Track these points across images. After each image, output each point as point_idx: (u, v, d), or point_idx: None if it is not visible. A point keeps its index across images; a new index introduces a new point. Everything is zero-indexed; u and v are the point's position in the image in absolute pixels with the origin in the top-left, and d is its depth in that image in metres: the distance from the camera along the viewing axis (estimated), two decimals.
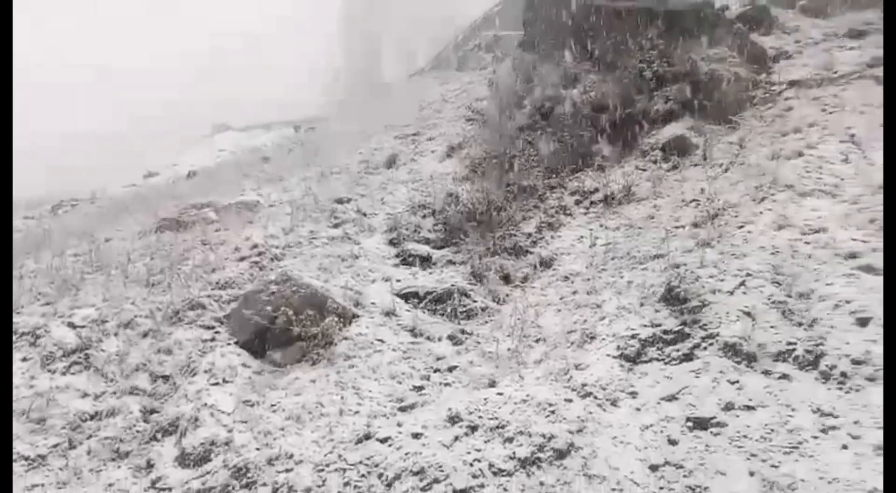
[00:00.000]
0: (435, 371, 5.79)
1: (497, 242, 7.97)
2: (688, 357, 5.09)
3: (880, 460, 3.80)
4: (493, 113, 10.34)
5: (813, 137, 8.02)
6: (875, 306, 4.99)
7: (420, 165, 10.47)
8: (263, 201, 9.66)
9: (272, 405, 5.39)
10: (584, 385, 5.05)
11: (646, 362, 5.21)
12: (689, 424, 4.43)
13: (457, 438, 4.69)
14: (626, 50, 9.56)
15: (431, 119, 12.59)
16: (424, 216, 8.60)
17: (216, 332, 6.46)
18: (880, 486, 3.66)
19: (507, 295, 7.17)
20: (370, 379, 5.61)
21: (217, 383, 5.67)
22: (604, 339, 5.58)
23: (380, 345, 6.08)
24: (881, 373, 4.41)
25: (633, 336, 5.45)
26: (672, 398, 4.71)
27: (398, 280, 7.29)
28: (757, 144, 8.19)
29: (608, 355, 5.33)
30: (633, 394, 4.88)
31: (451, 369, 5.79)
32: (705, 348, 5.08)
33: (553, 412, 4.77)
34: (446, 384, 5.58)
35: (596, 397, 4.91)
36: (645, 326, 5.52)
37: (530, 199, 8.66)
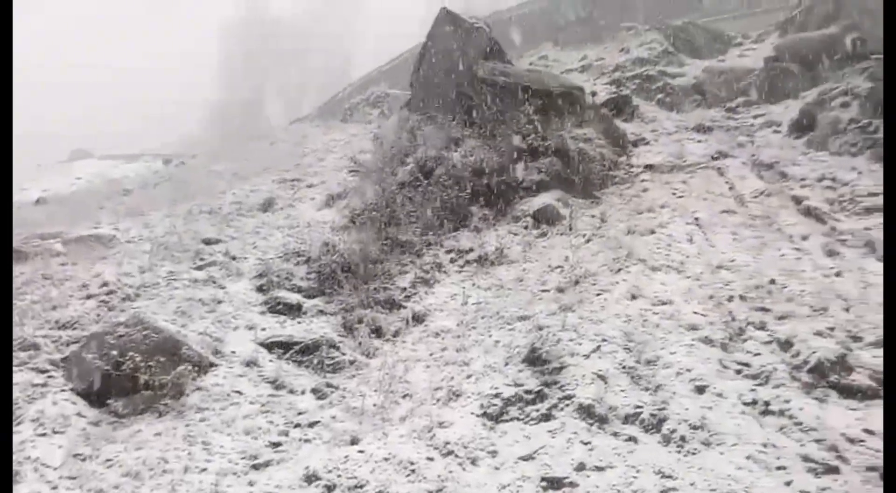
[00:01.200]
0: (295, 426, 5.56)
1: (371, 294, 7.92)
2: (546, 417, 5.27)
3: None
4: (375, 167, 10.47)
5: (664, 217, 8.84)
6: (711, 376, 5.47)
7: (298, 211, 10.29)
8: (120, 236, 9.00)
9: (107, 460, 4.89)
10: (446, 443, 5.05)
11: (507, 421, 5.33)
12: (544, 483, 4.55)
13: None
14: (504, 121, 10.13)
15: (313, 167, 12.49)
16: (298, 264, 8.40)
17: (49, 376, 5.81)
18: None
19: (378, 349, 7.10)
20: (223, 434, 5.27)
21: (45, 434, 5.07)
22: (469, 397, 5.65)
23: (237, 397, 5.76)
24: (716, 438, 4.81)
25: (496, 395, 5.57)
26: (529, 458, 4.83)
27: (263, 329, 7.00)
28: (616, 220, 8.88)
29: (472, 414, 5.40)
30: (493, 453, 4.95)
31: (312, 425, 5.58)
32: (562, 409, 5.29)
33: (414, 471, 4.72)
34: (306, 441, 5.37)
35: (457, 456, 4.92)
36: (508, 385, 5.67)
37: (407, 254, 8.74)
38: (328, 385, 6.25)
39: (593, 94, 12.02)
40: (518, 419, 5.33)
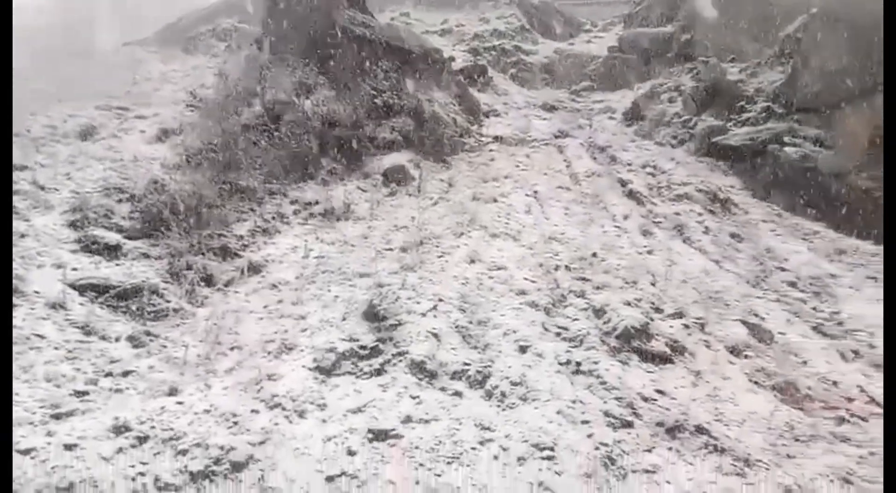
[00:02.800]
0: (106, 375, 5.12)
1: (203, 240, 7.44)
2: (378, 372, 5.34)
3: (522, 468, 4.43)
4: (217, 105, 9.75)
5: (507, 187, 9.23)
6: (534, 337, 5.86)
7: (124, 143, 9.32)
8: None
9: None
10: (274, 396, 4.94)
11: (339, 375, 5.32)
12: (370, 435, 4.62)
13: (121, 450, 4.18)
14: (361, 75, 9.90)
15: (146, 96, 11.35)
16: (120, 201, 7.64)
17: None
18: (521, 492, 4.25)
19: (207, 298, 6.71)
20: (19, 380, 4.71)
21: None
22: (302, 350, 5.56)
23: (38, 341, 5.17)
24: (532, 394, 5.18)
25: (330, 349, 5.53)
26: (358, 411, 4.87)
27: (74, 269, 6.32)
28: (463, 185, 9.12)
29: (303, 367, 5.32)
30: (322, 406, 4.93)
31: (125, 374, 5.18)
32: (395, 365, 5.39)
33: (237, 423, 4.57)
34: (118, 390, 4.97)
35: (284, 409, 4.84)
36: (343, 340, 5.65)
37: (247, 201, 8.31)
38: (147, 334, 5.81)
39: (451, 59, 12.12)
40: (351, 373, 5.34)
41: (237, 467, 4.23)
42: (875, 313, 7.25)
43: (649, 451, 4.60)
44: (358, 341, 5.61)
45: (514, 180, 9.40)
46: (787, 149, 9.81)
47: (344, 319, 5.96)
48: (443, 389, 5.18)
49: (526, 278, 6.89)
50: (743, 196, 9.95)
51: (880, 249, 8.72)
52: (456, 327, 5.88)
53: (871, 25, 9.92)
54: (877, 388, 5.86)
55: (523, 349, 5.69)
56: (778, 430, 4.90)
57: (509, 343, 5.77)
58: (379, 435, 4.62)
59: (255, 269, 7.15)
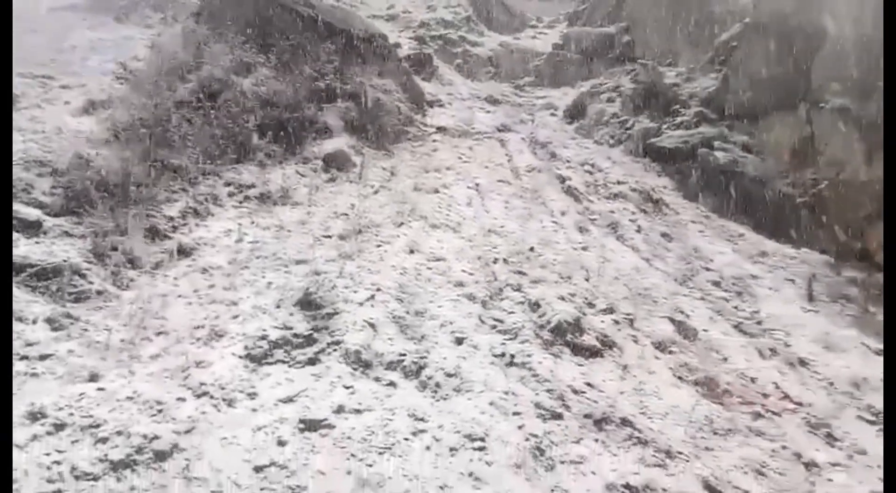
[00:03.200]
0: (21, 358, 4.84)
1: (130, 220, 7.11)
2: (312, 361, 5.27)
3: (454, 458, 4.47)
4: (150, 78, 9.30)
5: (449, 178, 9.24)
6: (470, 329, 5.91)
7: (47, 114, 8.78)
8: None
9: None
10: (202, 384, 4.80)
11: (271, 363, 5.21)
12: (301, 425, 4.56)
13: (35, 437, 3.97)
14: (303, 56, 9.66)
15: (73, 65, 10.72)
16: (41, 175, 7.20)
17: None
18: (451, 482, 4.29)
19: (133, 281, 6.43)
20: None
21: None
22: (233, 337, 5.41)
23: None
24: (466, 385, 5.22)
25: (263, 337, 5.41)
26: (290, 400, 4.80)
27: None
28: (405, 175, 9.07)
29: (234, 355, 5.18)
30: (253, 395, 4.82)
31: (43, 358, 4.91)
32: (329, 354, 5.33)
33: (161, 411, 4.41)
34: (33, 375, 4.71)
35: (212, 397, 4.70)
36: (277, 328, 5.54)
37: (179, 180, 7.98)
38: (68, 316, 5.52)
39: (397, 45, 12.00)
40: (283, 361, 5.25)
41: (161, 456, 4.09)
42: (791, 313, 7.69)
43: (577, 442, 4.73)
44: (291, 329, 5.51)
45: (456, 172, 9.41)
46: (716, 153, 10.21)
47: (278, 306, 5.83)
48: (377, 379, 5.15)
49: (464, 270, 6.93)
50: (674, 197, 10.30)
51: (798, 252, 9.23)
52: (393, 317, 5.86)
53: (800, 37, 10.44)
54: (791, 385, 6.22)
55: (459, 341, 5.73)
56: (698, 423, 5.13)
57: (445, 335, 5.80)
58: (310, 425, 4.56)
59: (185, 252, 6.89)
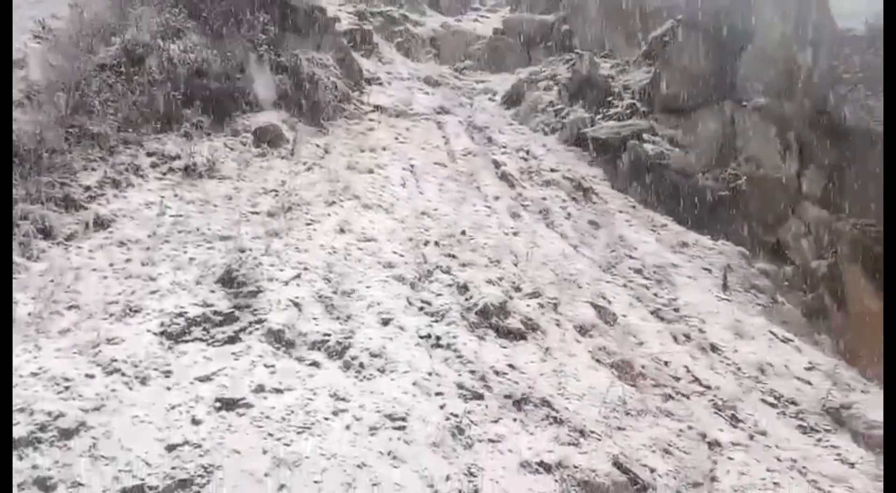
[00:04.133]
0: None
1: (43, 188, 6.72)
2: (232, 340, 5.15)
3: (374, 438, 4.49)
4: (69, 39, 8.76)
5: (384, 159, 9.16)
6: (397, 310, 5.91)
7: None
8: None
9: None
10: (113, 361, 4.62)
11: (188, 341, 5.07)
12: (218, 404, 4.47)
13: None
14: (236, 24, 9.31)
15: None
16: None
17: None
18: (370, 461, 4.30)
19: (44, 252, 6.09)
20: None
21: None
22: (148, 314, 5.23)
23: None
24: (390, 366, 5.24)
25: (180, 314, 5.25)
26: (207, 379, 4.69)
27: None
28: (339, 153, 8.93)
29: (149, 331, 5.01)
30: (167, 373, 4.69)
31: None
32: (251, 333, 5.23)
33: (68, 388, 4.23)
34: None
35: (124, 375, 4.54)
36: (196, 305, 5.38)
37: (97, 148, 7.58)
38: None
39: (336, 20, 11.74)
40: (201, 339, 5.11)
41: (66, 434, 3.93)
42: (706, 301, 8.07)
43: (496, 422, 4.84)
44: (212, 306, 5.37)
45: (391, 152, 9.34)
46: (645, 145, 10.53)
47: (198, 283, 5.67)
48: (300, 359, 5.10)
49: (395, 252, 6.91)
50: (604, 186, 10.57)
51: (717, 243, 9.68)
52: (319, 296, 5.80)
53: (727, 36, 10.85)
54: (701, 369, 6.54)
55: (386, 322, 5.73)
56: (612, 404, 5.33)
57: (372, 315, 5.78)
58: (227, 404, 4.48)
59: (101, 223, 6.57)
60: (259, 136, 8.63)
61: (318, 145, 8.95)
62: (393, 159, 9.13)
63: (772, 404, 6.30)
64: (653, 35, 11.75)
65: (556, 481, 4.34)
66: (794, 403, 6.34)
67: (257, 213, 7.16)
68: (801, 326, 8.87)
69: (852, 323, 9.68)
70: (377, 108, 10.48)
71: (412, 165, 9.20)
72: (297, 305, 5.57)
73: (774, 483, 4.89)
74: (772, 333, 7.76)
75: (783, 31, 10.83)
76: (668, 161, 10.51)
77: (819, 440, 5.90)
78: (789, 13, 10.87)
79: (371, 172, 8.56)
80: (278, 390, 4.71)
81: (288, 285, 5.81)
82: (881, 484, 5.55)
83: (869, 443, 6.09)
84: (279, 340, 5.19)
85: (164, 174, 7.65)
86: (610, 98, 11.51)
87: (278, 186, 7.78)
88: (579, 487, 4.35)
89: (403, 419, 4.64)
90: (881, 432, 6.33)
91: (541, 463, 4.46)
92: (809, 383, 6.79)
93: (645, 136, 10.76)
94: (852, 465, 5.67)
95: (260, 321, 5.32)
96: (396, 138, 9.85)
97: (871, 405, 6.79)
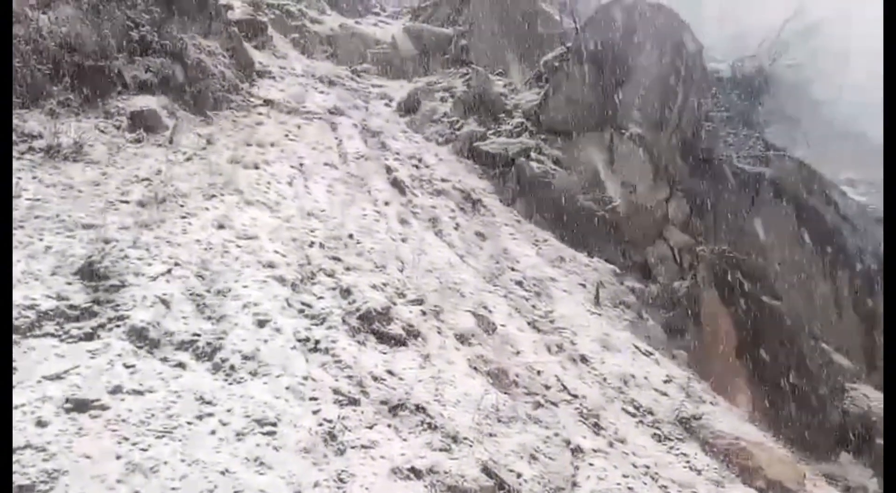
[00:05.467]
0: None
1: None
2: (89, 336, 4.77)
3: (240, 443, 4.30)
4: None
5: (271, 155, 8.87)
6: (275, 312, 5.72)
7: None
8: None
9: None
10: None
11: (38, 336, 4.63)
12: (68, 405, 4.11)
13: None
14: (116, 0, 8.68)
15: None
16: None
17: None
18: (234, 467, 4.12)
19: None
20: None
21: None
22: None
23: None
24: (263, 369, 5.05)
25: (30, 307, 4.78)
26: (57, 378, 4.30)
27: None
28: (223, 145, 8.55)
29: None
30: (12, 371, 4.24)
31: None
32: (111, 330, 4.86)
33: None
34: None
35: None
36: (49, 297, 4.93)
37: None
38: None
39: (228, 7, 11.27)
40: (53, 335, 4.69)
41: None
42: (579, 313, 8.49)
43: (370, 428, 4.80)
44: (67, 300, 4.94)
45: (280, 149, 9.07)
46: (532, 163, 10.96)
47: (53, 273, 5.19)
48: (164, 359, 4.81)
49: (277, 251, 6.70)
50: (492, 199, 10.87)
51: (592, 260, 10.22)
52: (190, 294, 5.50)
53: (611, 67, 11.54)
54: (570, 378, 6.85)
55: (262, 324, 5.53)
56: (485, 411, 5.45)
57: (248, 316, 5.56)
58: (79, 405, 4.13)
59: None
60: (135, 120, 8.09)
61: (200, 135, 8.52)
62: (281, 156, 8.87)
63: (632, 414, 6.72)
64: (544, 59, 12.27)
65: (426, 486, 4.37)
66: (651, 413, 6.80)
67: (127, 202, 6.69)
68: (661, 341, 9.56)
69: (705, 340, 10.55)
70: (267, 102, 10.15)
71: (301, 164, 8.98)
72: (164, 302, 5.25)
73: (629, 488, 5.20)
74: (636, 346, 8.29)
75: (660, 68, 11.69)
76: (551, 180, 11.00)
77: (671, 447, 6.36)
78: (666, 52, 11.75)
79: (257, 167, 8.26)
80: (138, 392, 4.40)
81: (156, 281, 5.47)
82: (724, 490, 6.10)
83: (714, 451, 6.65)
84: (142, 338, 4.87)
85: (23, 154, 6.97)
86: (502, 115, 11.87)
87: (153, 174, 7.31)
88: (448, 492, 4.40)
89: (273, 425, 4.48)
90: (725, 441, 6.96)
91: (412, 469, 4.47)
92: (666, 395, 7.31)
93: (532, 154, 11.19)
94: (699, 472, 6.16)
95: (122, 318, 4.96)
96: (286, 135, 9.58)
97: (717, 417, 7.43)
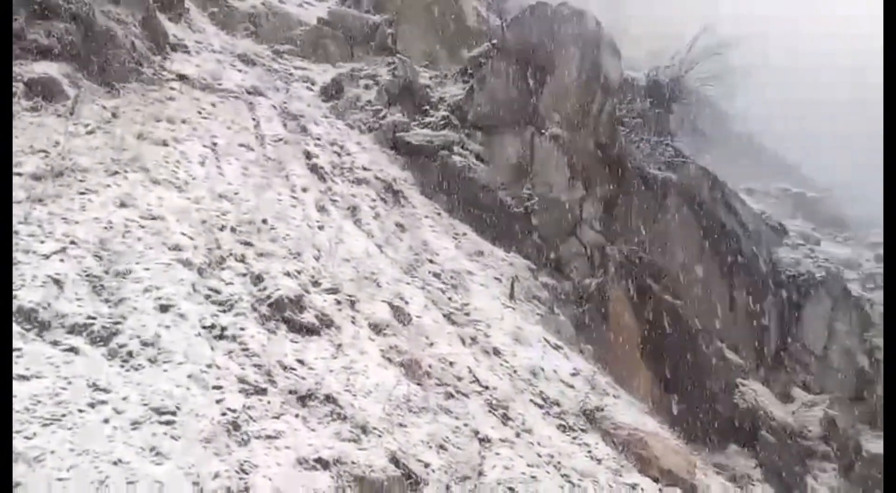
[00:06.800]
0: None
1: None
2: None
3: (135, 433, 4.09)
4: None
5: (182, 133, 8.45)
6: (179, 297, 5.47)
7: None
8: None
9: None
10: None
11: None
12: None
13: None
14: None
15: None
16: None
17: None
18: (128, 457, 3.91)
19: None
20: None
21: None
22: None
23: None
24: (164, 356, 4.82)
25: None
26: None
27: None
28: (130, 119, 8.06)
29: None
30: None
31: None
32: None
33: None
34: None
35: None
36: None
37: None
38: None
39: None
40: None
41: None
42: (494, 307, 8.62)
43: (277, 418, 4.68)
44: None
45: (192, 127, 8.64)
46: (454, 157, 11.01)
47: None
48: (55, 343, 4.50)
49: (184, 234, 6.39)
50: (413, 191, 10.83)
51: (509, 255, 10.40)
52: (87, 275, 5.18)
53: (535, 67, 11.75)
54: (482, 370, 6.95)
55: (164, 309, 5.27)
56: (396, 402, 5.44)
57: (149, 300, 5.29)
58: None
59: None
60: (32, 87, 7.51)
61: (104, 108, 8.00)
62: (193, 134, 8.46)
63: (539, 405, 6.90)
64: (470, 55, 12.33)
65: (332, 477, 4.31)
66: (557, 404, 7.01)
67: (20, 174, 6.19)
68: (571, 336, 9.87)
69: (612, 336, 11.00)
70: (181, 77, 9.65)
71: (214, 144, 8.60)
72: (57, 282, 4.91)
73: (533, 477, 5.34)
74: (546, 340, 8.52)
75: (580, 72, 12.02)
76: (473, 175, 11.09)
77: (574, 438, 6.59)
78: (587, 57, 12.09)
79: (166, 144, 7.84)
80: (24, 377, 4.10)
81: (49, 259, 5.11)
82: (622, 478, 6.38)
83: (614, 442, 6.95)
84: (30, 320, 4.53)
85: None
86: (427, 107, 11.84)
87: (50, 146, 6.81)
88: (355, 483, 4.36)
89: (173, 414, 4.29)
90: (625, 432, 7.28)
91: (318, 460, 4.39)
92: (572, 387, 7.56)
93: (455, 148, 11.24)
94: (599, 461, 6.41)
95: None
96: (200, 112, 9.15)
97: (619, 409, 7.77)
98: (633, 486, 6.21)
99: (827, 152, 24.65)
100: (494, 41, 11.84)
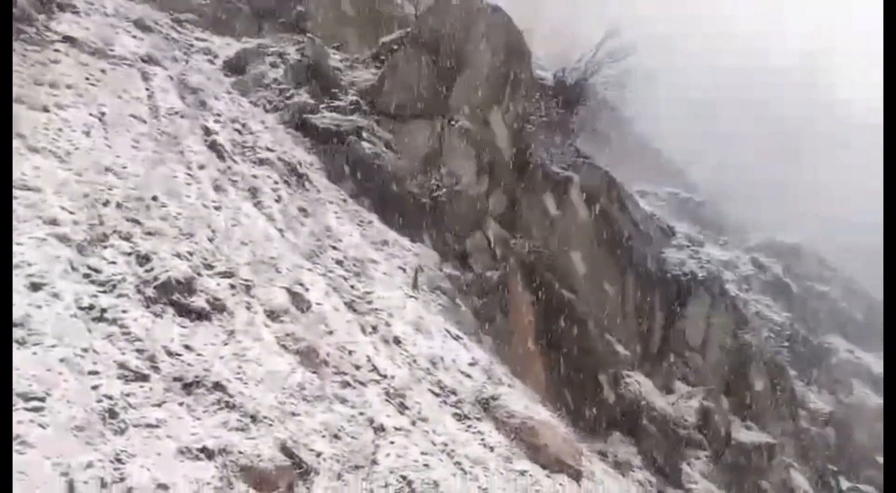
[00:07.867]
0: None
1: None
2: None
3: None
4: None
5: (67, 99, 7.80)
6: (54, 275, 5.05)
7: None
8: None
9: None
10: None
11: None
12: None
13: None
14: None
15: None
16: None
17: None
18: None
19: None
20: None
21: None
22: None
23: None
24: (34, 338, 4.42)
25: None
26: None
27: None
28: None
29: None
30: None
31: None
32: None
33: None
34: None
35: None
36: None
37: None
38: None
39: None
40: None
41: None
42: (397, 296, 8.58)
43: (159, 406, 4.43)
44: None
45: (77, 93, 7.99)
46: (363, 143, 10.86)
47: None
48: None
49: (63, 208, 5.90)
50: (319, 176, 10.58)
51: (414, 245, 10.39)
52: None
53: (447, 58, 11.79)
54: (381, 359, 6.91)
55: (36, 287, 4.85)
56: (290, 390, 5.30)
57: (20, 277, 4.84)
58: None
59: None
60: None
61: None
62: (78, 101, 7.83)
63: (436, 394, 6.96)
64: (383, 40, 12.19)
65: (217, 467, 4.13)
66: (454, 393, 7.09)
67: None
68: (471, 326, 10.02)
69: (510, 327, 11.29)
70: (67, 39, 8.89)
71: (102, 113, 8.00)
72: None
73: (425, 465, 5.37)
74: (447, 330, 8.60)
75: (492, 67, 12.18)
76: (381, 162, 10.99)
77: (469, 426, 6.69)
78: (498, 53, 12.27)
79: (46, 110, 7.21)
80: None
81: None
82: (512, 465, 6.55)
83: (507, 430, 7.12)
84: None
85: None
86: (336, 90, 11.60)
87: None
88: (241, 472, 4.21)
89: (41, 400, 3.94)
90: (517, 420, 7.48)
91: (202, 449, 4.20)
92: (470, 377, 7.68)
93: (364, 134, 11.09)
94: (491, 449, 6.55)
95: None
96: (87, 79, 8.47)
97: (513, 398, 7.97)
98: (523, 472, 6.39)
99: (711, 154, 26.32)
100: (408, 29, 11.76)
